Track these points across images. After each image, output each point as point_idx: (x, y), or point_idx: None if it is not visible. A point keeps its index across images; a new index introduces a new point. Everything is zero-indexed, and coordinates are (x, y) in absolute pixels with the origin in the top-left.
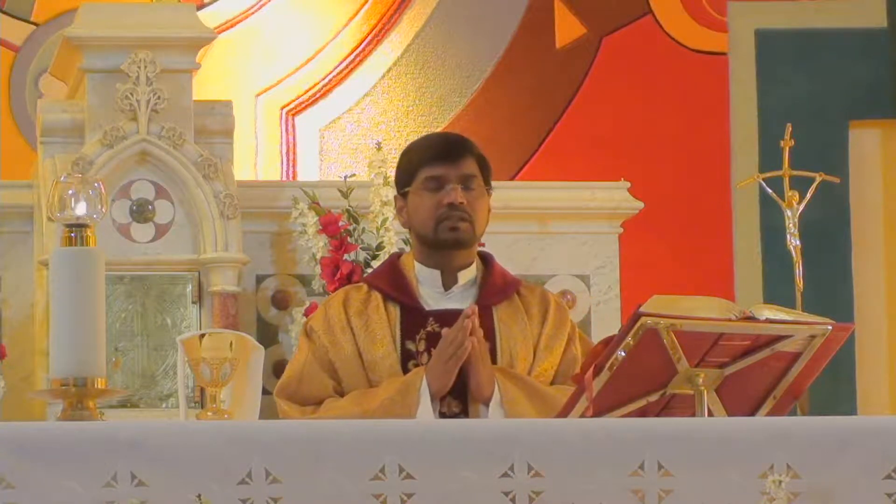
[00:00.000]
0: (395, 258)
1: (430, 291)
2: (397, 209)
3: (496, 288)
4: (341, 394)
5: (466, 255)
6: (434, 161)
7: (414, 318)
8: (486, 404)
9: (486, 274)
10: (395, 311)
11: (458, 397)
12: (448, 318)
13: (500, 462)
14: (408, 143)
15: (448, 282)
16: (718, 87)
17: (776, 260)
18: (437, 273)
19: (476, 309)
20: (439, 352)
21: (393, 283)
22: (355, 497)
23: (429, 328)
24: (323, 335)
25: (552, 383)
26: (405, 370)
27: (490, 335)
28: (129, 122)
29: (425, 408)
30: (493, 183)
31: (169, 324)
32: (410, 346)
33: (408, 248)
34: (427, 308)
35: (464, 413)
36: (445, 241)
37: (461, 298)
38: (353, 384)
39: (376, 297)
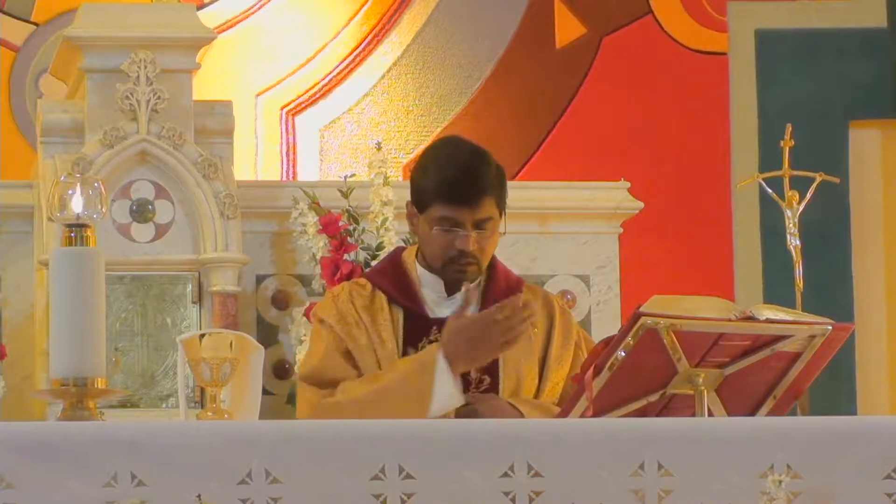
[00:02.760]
0: (398, 254)
1: (432, 295)
2: (408, 215)
3: (500, 294)
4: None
5: None
6: (449, 201)
7: (418, 325)
8: None
9: (490, 277)
10: (399, 315)
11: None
12: None
13: (500, 462)
14: (408, 143)
15: (451, 288)
16: (718, 87)
17: (776, 260)
18: (439, 279)
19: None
20: (478, 332)
21: (396, 284)
22: (355, 497)
23: (432, 337)
24: (336, 325)
25: (563, 393)
26: None
27: None
28: (129, 122)
29: (444, 385)
30: (506, 201)
31: (169, 324)
32: (412, 352)
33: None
34: (431, 315)
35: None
36: (450, 281)
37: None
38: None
39: (380, 297)
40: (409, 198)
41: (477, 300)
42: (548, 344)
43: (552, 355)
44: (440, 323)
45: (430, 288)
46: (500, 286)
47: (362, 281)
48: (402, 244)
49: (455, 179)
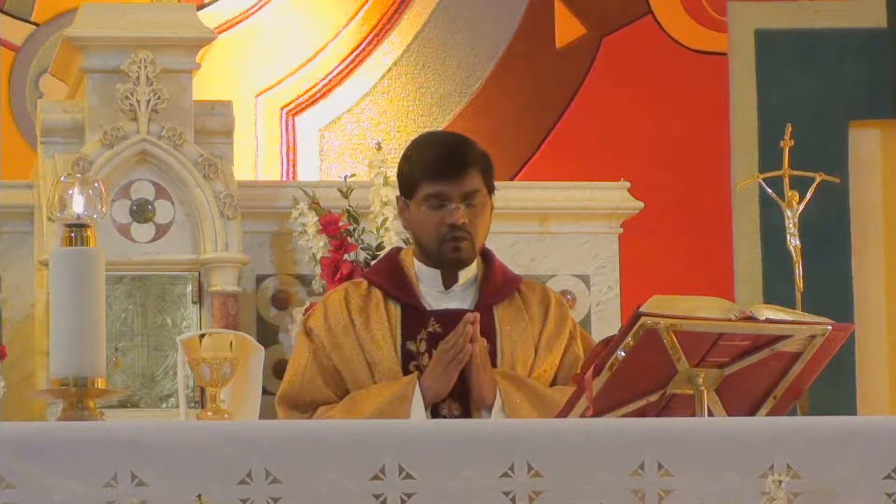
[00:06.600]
0: (395, 254)
1: (430, 290)
2: (399, 210)
3: (497, 286)
4: (340, 398)
5: None
6: (435, 177)
7: (415, 318)
8: (489, 409)
9: (487, 272)
10: (396, 310)
11: (459, 399)
12: (449, 318)
13: (500, 462)
14: (408, 143)
15: (448, 280)
16: (718, 87)
17: (776, 260)
18: (437, 272)
19: (478, 316)
20: (439, 357)
21: (393, 280)
22: (355, 497)
23: (430, 328)
24: (323, 336)
25: (553, 383)
26: (405, 371)
27: (491, 336)
28: (129, 122)
29: (419, 416)
30: (494, 183)
31: (169, 324)
32: (411, 346)
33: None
34: (428, 308)
35: (465, 416)
36: (448, 261)
37: (462, 297)
38: (358, 384)
39: (376, 294)
40: (398, 193)
41: (474, 295)
42: (541, 332)
43: (542, 343)
44: (437, 314)
45: (427, 283)
46: (496, 281)
47: (359, 280)
48: (402, 244)
49: (438, 155)
